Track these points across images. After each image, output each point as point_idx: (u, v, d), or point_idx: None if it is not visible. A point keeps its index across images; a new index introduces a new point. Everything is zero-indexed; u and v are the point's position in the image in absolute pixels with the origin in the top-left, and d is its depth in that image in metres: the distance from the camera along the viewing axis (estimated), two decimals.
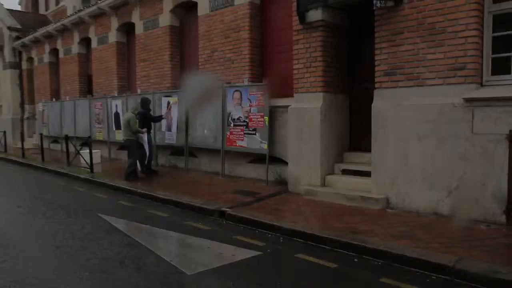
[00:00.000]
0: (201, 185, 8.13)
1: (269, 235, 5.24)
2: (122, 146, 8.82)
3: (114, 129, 12.28)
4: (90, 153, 10.06)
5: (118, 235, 5.23)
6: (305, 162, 6.95)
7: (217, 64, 9.31)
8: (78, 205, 7.02)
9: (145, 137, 9.12)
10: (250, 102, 8.19)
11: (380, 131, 6.03)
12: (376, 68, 6.10)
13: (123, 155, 12.17)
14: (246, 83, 8.27)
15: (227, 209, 6.16)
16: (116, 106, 12.07)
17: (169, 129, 10.20)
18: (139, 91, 11.15)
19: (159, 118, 9.71)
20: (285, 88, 8.09)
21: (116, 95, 12.16)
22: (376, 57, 6.08)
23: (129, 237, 5.12)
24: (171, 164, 10.56)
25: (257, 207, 6.32)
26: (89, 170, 10.08)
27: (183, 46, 10.85)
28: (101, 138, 12.92)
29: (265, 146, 7.95)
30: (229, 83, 8.73)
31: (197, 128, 9.47)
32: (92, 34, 13.96)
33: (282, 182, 7.85)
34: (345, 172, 6.89)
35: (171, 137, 10.17)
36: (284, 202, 6.57)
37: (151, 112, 9.75)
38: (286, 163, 7.91)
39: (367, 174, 6.49)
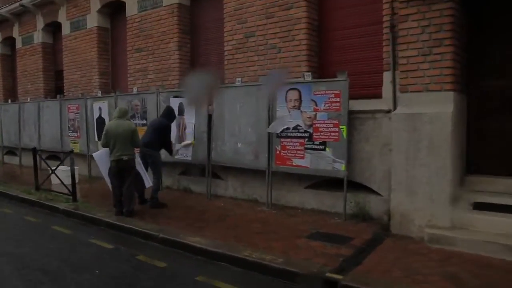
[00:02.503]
0: (247, 222, 5.74)
1: None
2: (118, 169, 6.16)
3: (96, 139, 9.49)
4: (73, 174, 7.33)
5: None
6: (422, 192, 4.79)
7: (253, 54, 6.94)
8: (72, 269, 4.38)
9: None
10: (316, 105, 5.91)
11: None
12: None
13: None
14: (308, 78, 5.97)
15: (337, 276, 3.85)
16: (100, 109, 9.31)
17: (180, 141, 7.66)
18: (134, 89, 8.50)
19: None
20: (363, 86, 5.91)
21: (99, 95, 9.39)
22: None
23: None
24: (182, 186, 8.03)
25: (375, 267, 4.08)
26: (69, 197, 7.34)
27: (195, 31, 8.36)
28: (77, 151, 10.03)
29: (341, 167, 5.70)
30: None
31: (225, 140, 7.03)
32: (62, 17, 11.04)
33: (365, 217, 5.69)
34: (479, 206, 4.79)
35: (184, 152, 7.64)
36: (408, 256, 4.35)
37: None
38: (368, 189, 5.76)
39: None
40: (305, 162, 6.05)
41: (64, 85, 11.10)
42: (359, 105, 5.76)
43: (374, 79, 5.86)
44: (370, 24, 5.96)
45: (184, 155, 7.66)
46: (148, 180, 6.44)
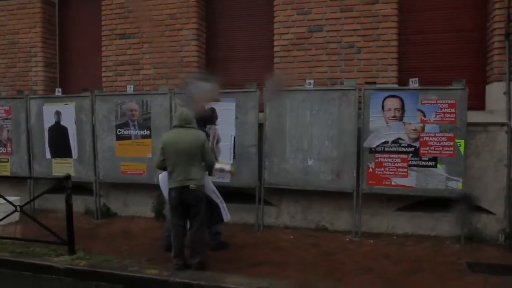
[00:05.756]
0: (367, 260, 4.82)
1: None
2: (181, 201, 4.51)
3: (49, 155, 6.94)
4: (70, 210, 5.07)
5: None
6: None
7: (322, 52, 6.02)
8: None
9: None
10: (424, 116, 5.36)
11: None
12: None
13: (58, 203, 7.00)
14: (415, 85, 5.37)
15: None
16: (59, 114, 6.85)
17: None
18: (130, 88, 6.46)
19: None
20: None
21: (59, 93, 6.87)
22: None
23: None
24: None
25: None
26: (61, 245, 5.09)
27: (213, 18, 6.85)
28: (6, 172, 7.21)
29: (458, 185, 5.29)
30: (373, 82, 5.60)
31: (287, 157, 5.88)
32: None
33: (480, 239, 5.37)
34: None
35: (217, 172, 6.09)
36: None
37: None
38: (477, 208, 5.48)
39: None
40: (410, 181, 5.44)
41: None
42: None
43: (473, 90, 5.58)
44: (466, 30, 5.75)
45: (218, 176, 6.10)
46: (226, 212, 4.83)
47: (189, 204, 4.47)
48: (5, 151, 7.27)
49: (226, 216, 4.86)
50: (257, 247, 5.33)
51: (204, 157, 4.52)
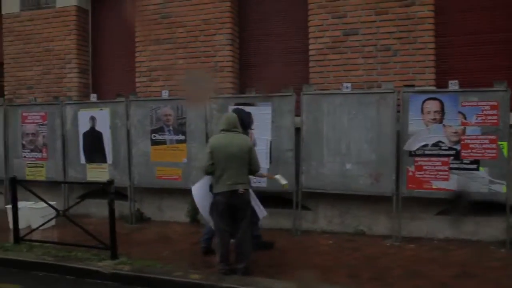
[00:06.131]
0: (416, 264, 4.78)
1: None
2: (229, 206, 4.53)
3: (83, 161, 7.05)
4: (112, 215, 5.13)
5: None
6: None
7: (358, 55, 6.02)
8: None
9: None
10: (464, 118, 5.33)
11: None
12: None
13: (91, 207, 7.12)
14: (455, 87, 5.34)
15: None
16: (94, 120, 6.97)
17: None
18: (165, 93, 6.55)
19: None
20: None
21: (94, 99, 7.00)
22: None
23: None
24: None
25: None
26: (102, 250, 5.15)
27: (244, 23, 6.92)
28: (42, 177, 7.33)
29: (502, 188, 5.25)
30: (412, 85, 5.60)
31: (325, 161, 5.88)
32: None
33: None
34: None
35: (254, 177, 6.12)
36: None
37: None
38: None
39: None
40: (450, 184, 5.40)
41: (5, 84, 8.07)
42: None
43: None
44: (505, 31, 5.73)
45: (255, 180, 6.13)
46: (261, 208, 4.86)
47: (236, 208, 4.49)
48: (40, 157, 7.42)
49: (262, 212, 4.88)
50: (298, 252, 5.33)
51: (251, 162, 4.56)
